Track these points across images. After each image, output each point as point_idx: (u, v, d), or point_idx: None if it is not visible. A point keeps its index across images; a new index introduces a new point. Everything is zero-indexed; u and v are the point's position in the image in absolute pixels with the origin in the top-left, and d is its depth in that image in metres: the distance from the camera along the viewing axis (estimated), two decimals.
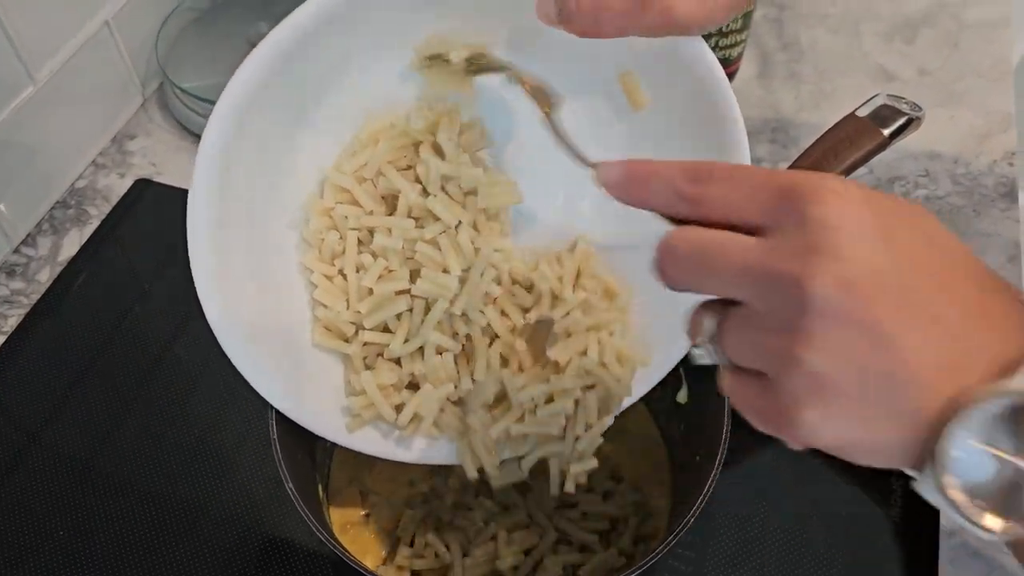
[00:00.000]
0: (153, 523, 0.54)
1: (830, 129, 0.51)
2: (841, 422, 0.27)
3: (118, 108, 0.74)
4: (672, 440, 0.50)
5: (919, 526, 0.53)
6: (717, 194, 0.28)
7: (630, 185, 0.29)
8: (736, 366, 0.29)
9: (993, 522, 0.26)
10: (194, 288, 0.65)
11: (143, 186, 0.70)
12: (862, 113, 0.52)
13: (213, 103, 0.70)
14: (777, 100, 0.76)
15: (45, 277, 0.66)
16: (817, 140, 0.51)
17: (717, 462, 0.41)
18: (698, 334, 0.29)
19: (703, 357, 0.30)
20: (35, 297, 0.65)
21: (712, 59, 0.39)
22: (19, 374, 0.61)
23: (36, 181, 0.68)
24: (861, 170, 0.70)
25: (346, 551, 0.38)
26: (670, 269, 0.28)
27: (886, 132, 0.51)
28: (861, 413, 0.26)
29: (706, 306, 0.29)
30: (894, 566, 0.52)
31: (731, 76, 0.74)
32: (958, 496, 0.26)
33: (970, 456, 0.26)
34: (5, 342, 0.62)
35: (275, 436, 0.42)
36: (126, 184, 0.71)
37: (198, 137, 0.73)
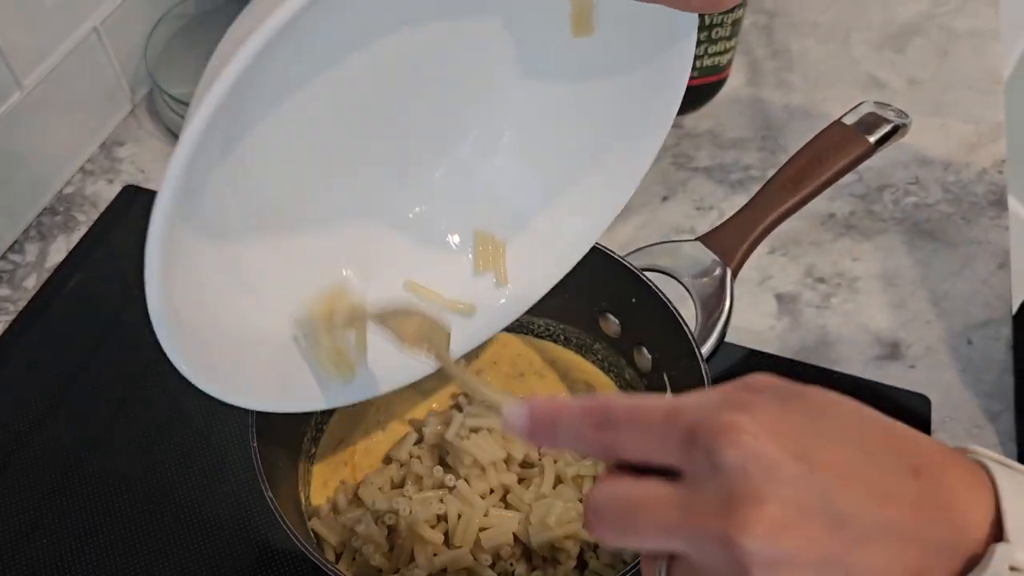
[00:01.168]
0: (145, 527, 0.53)
1: (816, 136, 0.51)
2: None
3: (107, 114, 0.74)
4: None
5: None
6: (626, 440, 0.26)
7: (537, 431, 0.28)
8: None
9: None
10: None
11: (132, 193, 0.70)
12: (848, 121, 0.52)
13: None
14: (766, 108, 0.76)
15: (32, 283, 0.66)
16: (803, 147, 0.51)
17: None
18: None
19: None
20: (22, 304, 0.64)
21: (690, 49, 0.39)
22: (6, 380, 0.60)
23: (23, 187, 0.68)
24: (850, 177, 0.70)
25: (327, 561, 0.38)
26: (599, 531, 0.27)
27: (872, 139, 0.51)
28: None
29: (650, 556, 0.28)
30: None
31: (720, 84, 0.74)
32: None
33: None
34: None
35: (255, 445, 0.41)
36: (114, 190, 0.71)
37: None
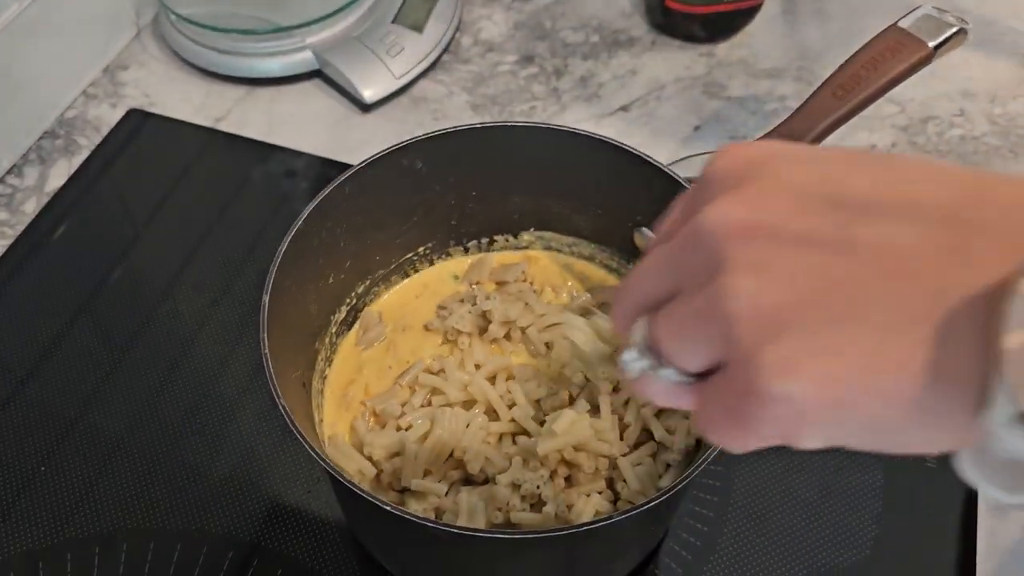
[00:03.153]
0: (146, 482, 0.50)
1: (871, 41, 0.48)
2: (816, 361, 0.19)
3: (111, 37, 0.70)
4: None
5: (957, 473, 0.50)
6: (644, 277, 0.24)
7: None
8: (681, 375, 0.23)
9: None
10: (194, 228, 0.62)
11: (137, 117, 0.67)
12: (905, 24, 0.48)
13: (211, 29, 0.67)
14: (803, 38, 0.72)
15: (31, 208, 0.63)
16: (856, 52, 0.48)
17: None
18: (632, 343, 0.24)
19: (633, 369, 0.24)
20: (20, 228, 0.61)
21: None
22: (4, 311, 0.57)
23: (23, 110, 0.65)
24: (892, 108, 0.67)
25: (339, 470, 0.35)
26: (617, 311, 0.25)
27: (931, 44, 0.47)
28: (842, 342, 0.19)
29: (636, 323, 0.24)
30: (931, 513, 0.49)
31: (754, 11, 0.71)
32: None
33: None
34: None
35: (266, 352, 0.38)
36: (118, 115, 0.67)
37: (195, 67, 0.70)
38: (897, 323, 0.19)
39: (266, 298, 0.39)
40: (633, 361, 0.23)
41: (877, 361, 0.19)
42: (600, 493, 0.43)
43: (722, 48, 0.71)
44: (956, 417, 0.19)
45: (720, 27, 0.71)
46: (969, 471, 0.20)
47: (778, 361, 0.19)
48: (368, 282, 0.50)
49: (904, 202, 0.19)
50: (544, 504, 0.41)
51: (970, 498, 0.49)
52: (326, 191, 0.43)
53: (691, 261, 0.21)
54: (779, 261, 0.20)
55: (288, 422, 0.35)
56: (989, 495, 0.20)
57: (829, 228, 0.19)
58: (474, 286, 0.50)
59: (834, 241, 0.19)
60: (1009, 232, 0.18)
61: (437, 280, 0.51)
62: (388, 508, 0.33)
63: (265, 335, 0.38)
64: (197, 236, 0.61)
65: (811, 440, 0.20)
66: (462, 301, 0.48)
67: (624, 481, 0.43)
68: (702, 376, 0.22)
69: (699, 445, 0.43)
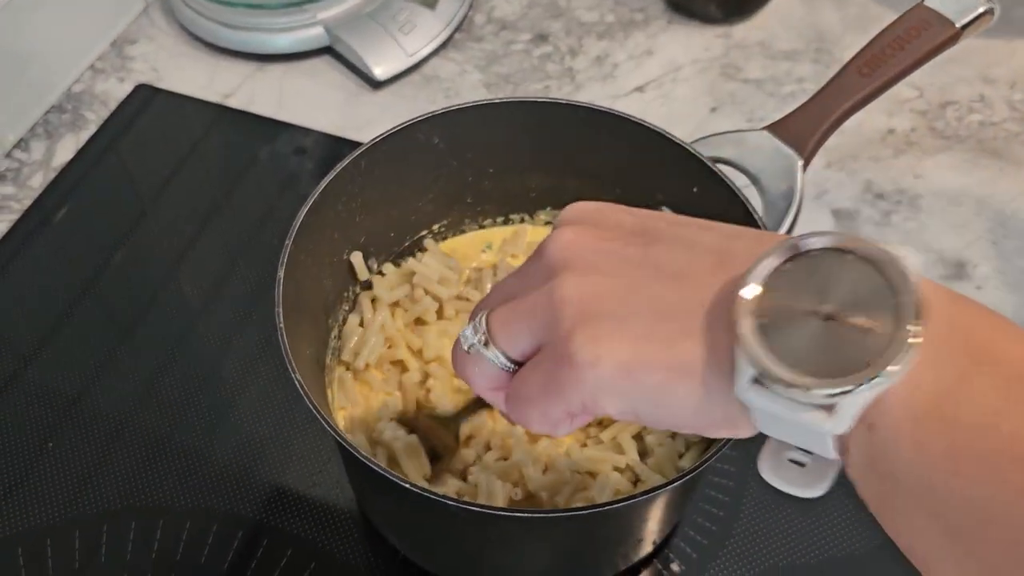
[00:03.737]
0: (155, 460, 0.50)
1: (897, 19, 0.47)
2: (619, 338, 0.25)
3: (118, 11, 0.70)
4: None
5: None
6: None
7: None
8: (504, 361, 0.28)
9: (823, 389, 0.22)
10: (201, 205, 0.61)
11: (145, 92, 0.66)
12: (931, 4, 0.47)
13: (221, 4, 0.66)
14: (820, 20, 0.71)
15: (38, 182, 0.62)
16: (882, 31, 0.47)
17: None
18: (474, 335, 0.29)
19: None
20: (27, 203, 0.60)
21: None
22: (9, 288, 0.57)
23: (29, 84, 0.64)
24: (911, 92, 0.66)
25: (354, 447, 0.34)
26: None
27: (958, 24, 0.46)
28: (638, 326, 0.25)
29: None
30: None
31: None
32: (777, 370, 0.22)
33: (775, 321, 0.23)
34: None
35: (281, 325, 0.37)
36: (126, 89, 0.66)
37: (203, 42, 0.69)
38: (676, 315, 0.25)
39: (281, 271, 0.38)
40: (471, 337, 0.28)
41: (660, 343, 0.25)
42: (621, 472, 0.42)
43: (739, 29, 0.70)
44: (716, 386, 0.24)
45: (737, 8, 0.70)
46: (769, 475, 0.26)
47: (589, 336, 0.25)
48: (382, 258, 0.49)
49: (687, 238, 0.26)
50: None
51: None
52: (343, 164, 0.42)
53: (535, 270, 0.28)
54: (599, 267, 0.26)
55: (305, 398, 0.35)
56: (788, 491, 0.26)
57: (636, 248, 0.26)
58: (509, 259, 0.49)
59: (636, 256, 0.26)
60: (745, 260, 0.24)
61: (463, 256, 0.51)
62: (407, 486, 0.32)
63: (280, 309, 0.37)
64: (204, 213, 0.60)
65: (609, 404, 0.26)
66: (494, 270, 0.48)
67: (645, 457, 0.43)
68: (518, 367, 0.28)
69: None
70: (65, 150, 0.63)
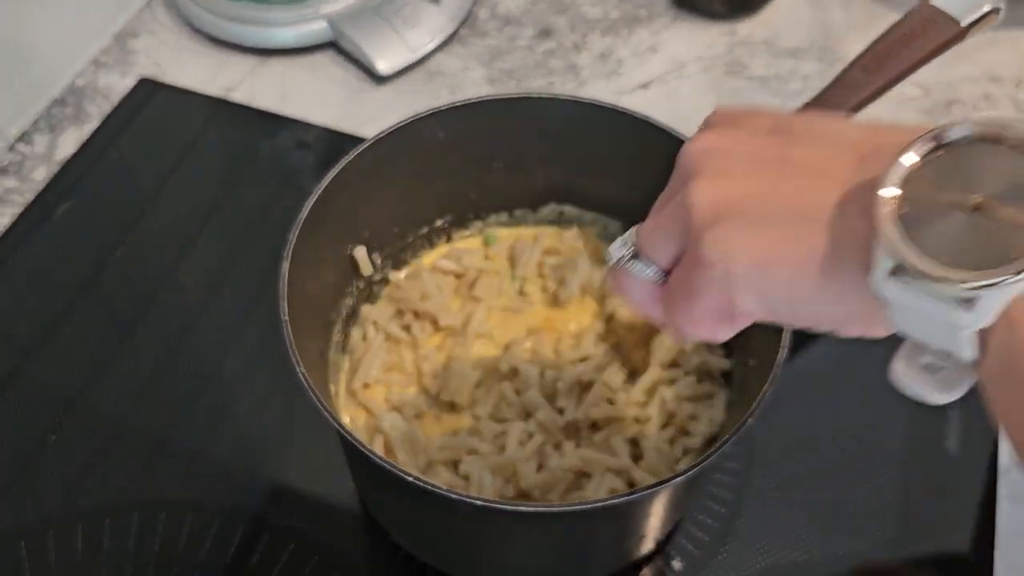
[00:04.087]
0: (158, 454, 0.50)
1: (902, 18, 0.47)
2: (749, 237, 0.25)
3: (121, 5, 0.69)
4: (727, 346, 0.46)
5: (976, 459, 0.49)
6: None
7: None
8: (653, 271, 0.28)
9: (967, 278, 0.21)
10: (202, 200, 0.61)
11: (147, 86, 0.66)
12: (937, 2, 0.47)
13: None
14: (826, 18, 0.71)
15: (41, 176, 0.62)
16: (887, 30, 0.47)
17: (771, 375, 0.37)
18: (622, 247, 0.29)
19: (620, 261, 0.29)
20: (30, 196, 0.60)
21: None
22: (11, 282, 0.57)
23: (32, 77, 0.64)
24: (916, 91, 0.66)
25: (358, 440, 0.34)
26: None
27: (964, 23, 0.46)
28: (770, 225, 0.25)
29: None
30: (950, 499, 0.48)
31: None
32: (916, 260, 0.22)
33: (916, 212, 0.22)
34: None
35: (286, 319, 0.37)
36: (128, 84, 0.66)
37: (206, 36, 0.69)
38: (811, 211, 0.24)
39: (285, 264, 0.38)
40: (618, 250, 0.29)
41: (791, 236, 0.24)
42: (618, 474, 0.42)
43: (744, 26, 0.70)
44: (853, 280, 0.24)
45: (742, 5, 0.69)
46: (902, 377, 0.25)
47: (717, 235, 0.25)
48: (386, 253, 0.49)
49: (827, 136, 0.26)
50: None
51: (990, 484, 0.49)
52: (347, 158, 0.42)
53: (675, 178, 0.28)
54: (733, 169, 0.26)
55: (309, 392, 0.35)
56: (921, 398, 0.25)
57: (772, 148, 0.26)
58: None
59: (774, 156, 0.26)
60: (889, 154, 0.24)
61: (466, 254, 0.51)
62: (410, 479, 0.32)
63: (284, 303, 0.37)
64: (206, 208, 0.60)
65: (746, 302, 0.25)
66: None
67: (642, 460, 0.43)
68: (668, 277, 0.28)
69: (716, 438, 0.43)
70: (68, 143, 0.63)
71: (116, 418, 0.51)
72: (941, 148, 0.23)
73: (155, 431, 0.50)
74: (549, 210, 0.51)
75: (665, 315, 0.28)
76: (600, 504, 0.35)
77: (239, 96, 0.66)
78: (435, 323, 0.47)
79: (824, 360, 0.52)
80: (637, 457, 0.43)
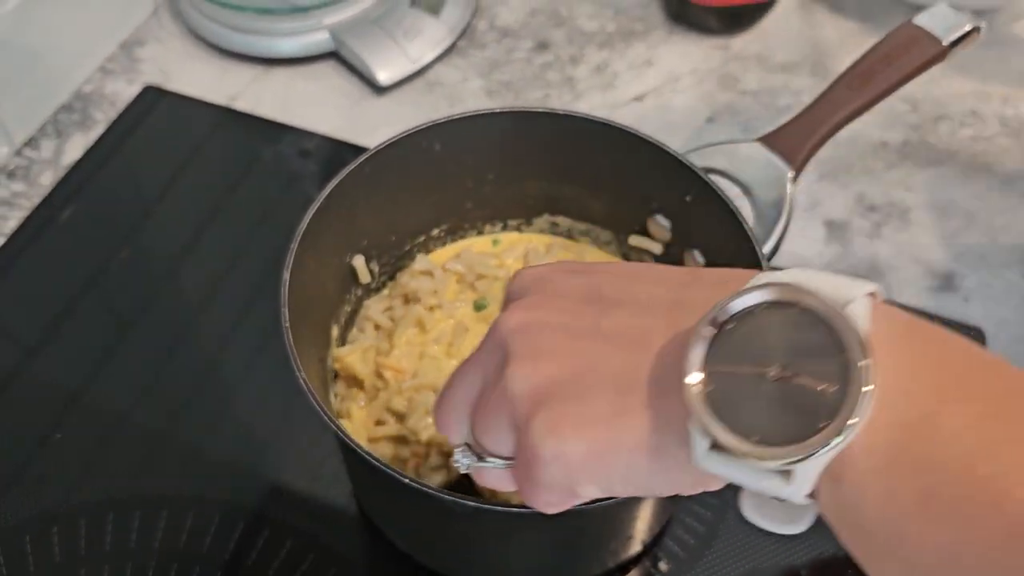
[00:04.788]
0: (160, 450, 0.51)
1: (886, 36, 0.48)
2: (575, 423, 0.24)
3: (127, 13, 0.71)
4: None
5: None
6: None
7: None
8: (503, 460, 0.28)
9: (775, 454, 0.22)
10: (205, 205, 0.62)
11: (153, 93, 0.67)
12: (920, 21, 0.48)
13: (228, 8, 0.67)
14: (818, 34, 0.72)
15: (48, 180, 0.63)
16: (871, 48, 0.48)
17: None
18: (457, 444, 0.29)
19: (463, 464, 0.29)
20: (36, 200, 0.62)
21: None
22: (17, 283, 0.58)
23: (39, 83, 0.65)
24: (904, 106, 0.67)
25: (357, 443, 0.36)
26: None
27: (944, 42, 0.48)
28: (593, 405, 0.24)
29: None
30: None
31: (769, 5, 0.71)
32: (729, 440, 0.22)
33: (724, 388, 0.22)
34: (4, 245, 0.59)
35: (287, 325, 0.39)
36: (134, 91, 0.68)
37: (211, 45, 0.71)
38: (631, 387, 0.24)
39: (287, 273, 0.39)
40: (462, 458, 0.29)
41: (619, 422, 0.24)
42: None
43: (737, 41, 0.72)
44: (681, 457, 0.23)
45: (736, 20, 0.71)
46: (749, 513, 0.26)
47: (545, 424, 0.25)
48: (383, 262, 0.50)
49: (640, 300, 0.25)
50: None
51: None
52: (348, 169, 0.44)
53: (491, 359, 0.27)
54: (547, 347, 0.25)
55: (309, 396, 0.36)
56: (770, 529, 0.26)
57: (585, 320, 0.26)
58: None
59: (587, 329, 0.25)
60: (703, 305, 0.24)
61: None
62: (407, 481, 0.34)
63: (286, 310, 0.39)
64: (208, 213, 0.61)
65: (587, 489, 0.25)
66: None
67: None
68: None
69: None
70: (74, 149, 0.65)
71: (118, 415, 0.52)
72: (733, 320, 0.23)
73: (156, 428, 0.52)
74: (543, 221, 0.52)
75: (524, 498, 0.28)
76: (589, 506, 0.36)
77: (242, 104, 0.67)
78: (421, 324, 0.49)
79: None
80: None
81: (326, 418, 0.36)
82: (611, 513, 0.39)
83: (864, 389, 0.21)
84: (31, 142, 0.65)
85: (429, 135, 0.46)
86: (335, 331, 0.48)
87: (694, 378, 0.23)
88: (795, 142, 0.46)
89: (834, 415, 0.21)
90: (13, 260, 0.59)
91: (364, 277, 0.49)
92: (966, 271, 0.59)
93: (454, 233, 0.52)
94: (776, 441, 0.22)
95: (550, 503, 0.27)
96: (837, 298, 0.22)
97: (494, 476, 0.28)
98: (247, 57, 0.69)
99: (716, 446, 0.22)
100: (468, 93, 0.68)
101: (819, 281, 0.23)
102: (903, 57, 0.47)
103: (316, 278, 0.44)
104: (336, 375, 0.48)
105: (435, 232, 0.51)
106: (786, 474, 0.22)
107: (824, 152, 0.49)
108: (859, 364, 0.21)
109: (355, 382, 0.47)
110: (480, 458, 0.28)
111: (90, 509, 0.48)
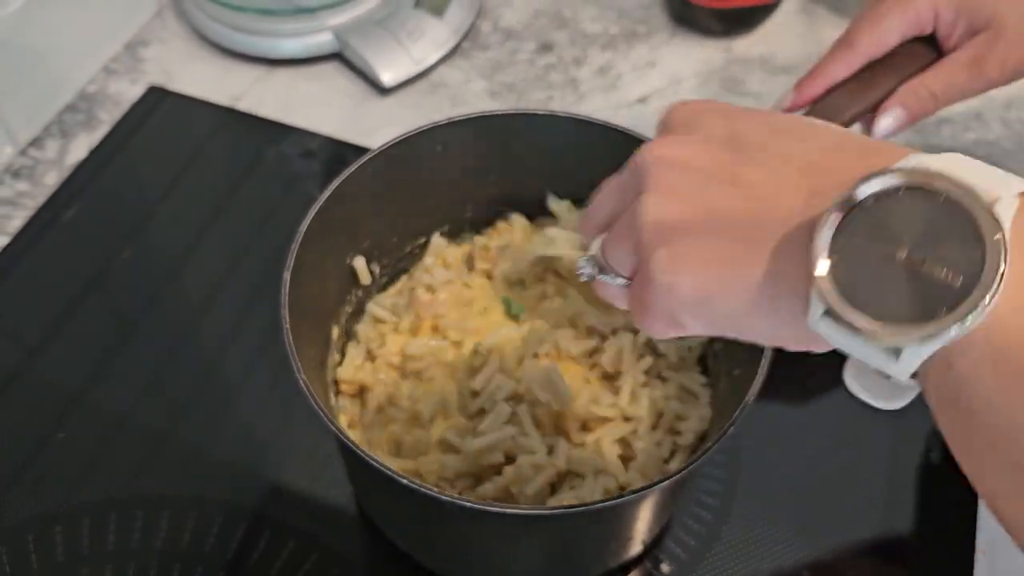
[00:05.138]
0: (162, 451, 0.51)
1: None
2: (693, 261, 0.26)
3: (131, 14, 0.71)
4: (713, 355, 0.48)
5: (960, 470, 0.50)
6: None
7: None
8: (621, 278, 0.29)
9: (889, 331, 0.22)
10: (207, 204, 0.63)
11: (157, 94, 0.68)
12: None
13: (232, 8, 0.67)
14: (820, 36, 0.72)
15: (52, 180, 0.63)
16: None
17: (755, 383, 0.38)
18: (589, 252, 0.31)
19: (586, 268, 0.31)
20: (41, 199, 0.62)
21: None
22: (20, 283, 0.58)
23: (43, 84, 0.65)
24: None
25: (356, 444, 0.36)
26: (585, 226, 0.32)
27: (944, 49, 0.48)
28: (714, 249, 0.26)
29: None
30: (933, 508, 0.50)
31: (772, 7, 0.71)
32: (846, 312, 0.23)
33: (850, 262, 0.23)
34: (8, 244, 0.60)
35: (287, 326, 0.39)
36: (138, 91, 0.68)
37: (215, 46, 0.71)
38: (755, 238, 0.25)
39: (287, 274, 0.40)
40: (585, 267, 0.31)
41: (737, 268, 0.25)
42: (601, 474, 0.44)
43: (740, 44, 0.72)
44: (791, 314, 0.25)
45: (738, 22, 0.71)
46: (851, 384, 0.28)
47: (665, 259, 0.26)
48: (384, 263, 0.50)
49: (781, 153, 0.26)
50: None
51: (973, 494, 0.50)
52: (350, 169, 0.44)
53: (630, 183, 0.28)
54: (683, 187, 0.27)
55: (309, 398, 0.36)
56: (871, 403, 0.27)
57: (724, 166, 0.26)
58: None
59: (725, 175, 0.26)
60: (843, 173, 0.24)
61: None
62: (405, 482, 0.34)
63: (286, 311, 0.39)
64: (210, 213, 0.62)
65: (692, 324, 0.27)
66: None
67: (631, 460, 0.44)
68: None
69: (707, 435, 0.44)
70: (79, 149, 0.65)
71: (121, 415, 0.52)
72: (872, 196, 0.23)
73: (158, 428, 0.52)
74: (543, 221, 0.52)
75: (630, 315, 0.30)
76: (589, 507, 0.36)
77: (245, 105, 0.68)
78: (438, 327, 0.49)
79: (811, 369, 0.53)
80: (629, 457, 0.45)
81: (326, 420, 0.36)
82: (612, 514, 0.40)
83: (990, 290, 0.21)
84: (36, 142, 0.65)
85: (431, 137, 0.46)
86: (335, 332, 0.48)
87: (822, 251, 0.23)
88: None
89: (955, 306, 0.21)
90: (17, 260, 0.59)
91: (365, 278, 0.49)
92: None
93: (456, 233, 0.52)
94: (892, 320, 0.22)
95: (655, 329, 0.28)
96: (987, 194, 0.22)
97: (610, 291, 0.30)
98: (250, 58, 0.70)
99: (830, 312, 0.23)
100: (471, 94, 0.68)
101: (971, 173, 0.22)
102: (902, 63, 0.47)
103: (317, 280, 0.44)
104: (338, 391, 0.48)
105: (435, 234, 0.52)
106: (895, 352, 0.23)
107: None
108: (993, 264, 0.21)
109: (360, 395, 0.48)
110: (602, 270, 0.30)
111: (92, 509, 0.49)
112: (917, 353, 0.22)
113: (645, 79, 0.69)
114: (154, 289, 0.58)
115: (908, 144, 0.65)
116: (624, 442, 0.44)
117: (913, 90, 0.46)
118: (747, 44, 0.71)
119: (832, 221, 0.23)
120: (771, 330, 0.26)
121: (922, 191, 0.23)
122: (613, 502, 0.36)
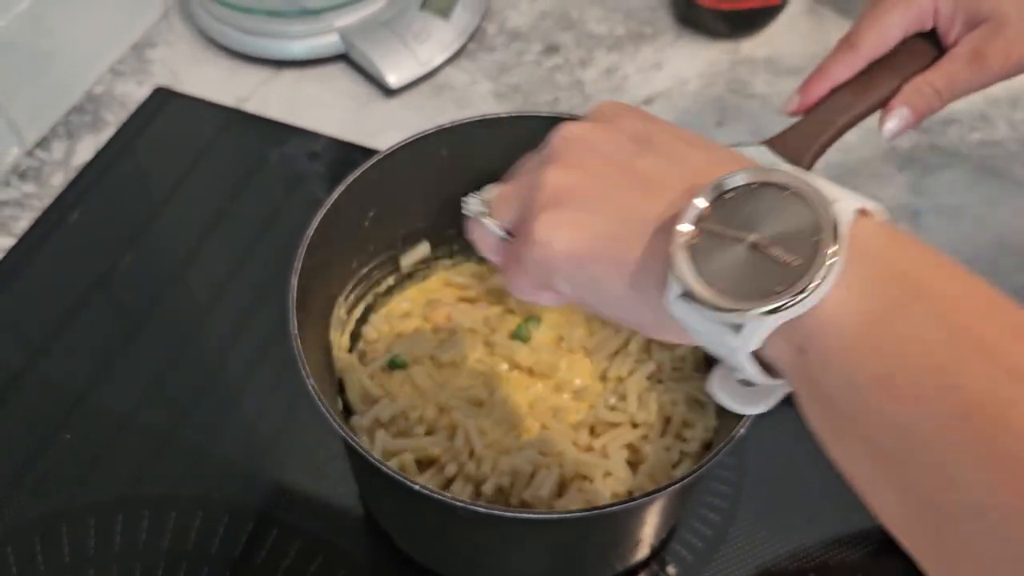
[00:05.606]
0: (169, 451, 0.51)
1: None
2: (575, 226, 0.28)
3: (138, 15, 0.71)
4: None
5: None
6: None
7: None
8: (499, 229, 0.31)
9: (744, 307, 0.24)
10: (213, 205, 0.63)
11: (163, 95, 0.68)
12: None
13: (238, 10, 0.67)
14: (826, 38, 0.72)
15: (58, 181, 0.63)
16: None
17: None
18: (476, 204, 0.32)
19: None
20: (47, 201, 0.62)
21: None
22: (26, 283, 0.58)
23: (50, 85, 0.66)
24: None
25: (366, 449, 0.36)
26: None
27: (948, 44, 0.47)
28: (598, 222, 0.28)
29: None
30: None
31: (777, 9, 0.71)
32: (696, 286, 0.25)
33: (706, 245, 0.25)
34: (15, 245, 0.60)
35: (295, 332, 0.39)
36: (145, 93, 0.68)
37: (220, 47, 0.71)
38: (632, 221, 0.27)
39: (295, 279, 0.40)
40: (472, 204, 0.32)
41: (609, 240, 0.27)
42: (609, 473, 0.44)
43: (746, 45, 0.71)
44: (652, 295, 0.27)
45: (744, 24, 0.71)
46: (716, 390, 0.28)
47: (548, 219, 0.28)
48: (390, 269, 0.50)
49: (676, 154, 0.28)
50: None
51: None
52: (356, 173, 0.44)
53: (541, 152, 0.31)
54: (586, 163, 0.29)
55: (318, 401, 0.36)
56: (731, 408, 0.28)
57: (625, 154, 0.29)
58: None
59: (625, 161, 0.28)
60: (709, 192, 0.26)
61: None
62: (417, 488, 0.34)
63: (294, 316, 0.39)
64: (216, 214, 0.62)
65: (561, 285, 0.29)
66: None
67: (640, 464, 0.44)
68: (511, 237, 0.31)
69: (712, 444, 0.44)
70: (85, 150, 0.65)
71: (126, 416, 0.52)
72: (731, 191, 0.26)
73: (164, 429, 0.52)
74: None
75: (502, 270, 0.31)
76: (597, 511, 0.36)
77: (251, 106, 0.68)
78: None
79: None
80: (638, 461, 0.45)
81: (335, 424, 0.36)
82: (619, 518, 0.40)
83: (821, 271, 0.23)
84: (42, 143, 0.65)
85: (436, 139, 0.46)
86: (342, 337, 0.48)
87: (684, 228, 0.26)
88: (801, 145, 0.46)
89: (791, 284, 0.24)
90: (22, 261, 0.59)
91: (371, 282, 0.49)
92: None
93: (459, 238, 0.52)
94: (737, 296, 0.25)
95: (524, 288, 0.30)
96: (829, 194, 0.25)
97: (487, 241, 0.32)
98: (256, 59, 0.70)
99: (685, 295, 0.25)
100: (477, 96, 0.68)
101: (819, 181, 0.25)
102: (905, 63, 0.47)
103: (323, 283, 0.44)
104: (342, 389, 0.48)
105: (441, 236, 0.51)
106: (736, 328, 0.25)
107: (832, 156, 0.49)
108: (824, 247, 0.24)
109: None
110: (486, 215, 0.31)
111: (98, 509, 0.49)
112: (755, 328, 0.24)
113: (651, 80, 0.69)
114: (159, 290, 0.58)
115: (914, 144, 0.65)
116: (632, 447, 0.44)
117: (917, 88, 0.46)
118: (753, 45, 0.71)
119: (694, 209, 0.26)
120: (632, 308, 0.28)
121: (775, 187, 0.25)
122: (623, 506, 0.36)
